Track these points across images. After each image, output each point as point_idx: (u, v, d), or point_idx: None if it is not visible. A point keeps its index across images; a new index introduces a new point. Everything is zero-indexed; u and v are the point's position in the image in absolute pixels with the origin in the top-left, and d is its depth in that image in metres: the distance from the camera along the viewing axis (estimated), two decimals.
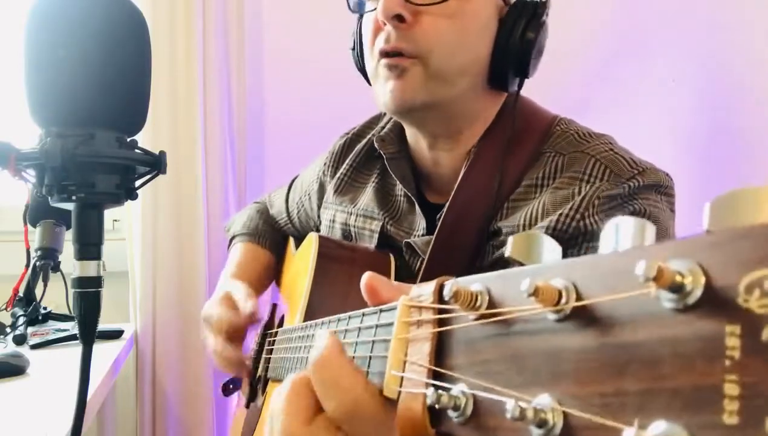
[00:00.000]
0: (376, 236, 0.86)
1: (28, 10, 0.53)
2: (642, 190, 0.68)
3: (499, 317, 0.27)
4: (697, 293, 0.19)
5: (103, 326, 0.70)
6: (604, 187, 0.68)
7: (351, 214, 0.91)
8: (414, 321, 0.33)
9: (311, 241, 0.86)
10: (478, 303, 0.28)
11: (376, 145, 0.87)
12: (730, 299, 0.18)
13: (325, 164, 0.99)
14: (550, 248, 0.28)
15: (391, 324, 0.36)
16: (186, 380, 1.52)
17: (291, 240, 1.13)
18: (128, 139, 0.56)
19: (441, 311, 0.31)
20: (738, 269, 0.18)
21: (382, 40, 0.72)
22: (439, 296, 0.32)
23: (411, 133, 0.84)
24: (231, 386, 1.12)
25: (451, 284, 0.28)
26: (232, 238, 1.18)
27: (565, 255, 0.78)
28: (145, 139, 1.40)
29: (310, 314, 0.76)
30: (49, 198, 0.54)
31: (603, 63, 1.63)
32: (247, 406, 0.98)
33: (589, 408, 0.22)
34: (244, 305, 0.90)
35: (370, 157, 0.93)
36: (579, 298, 0.23)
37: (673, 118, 1.53)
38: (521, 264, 0.28)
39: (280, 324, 0.95)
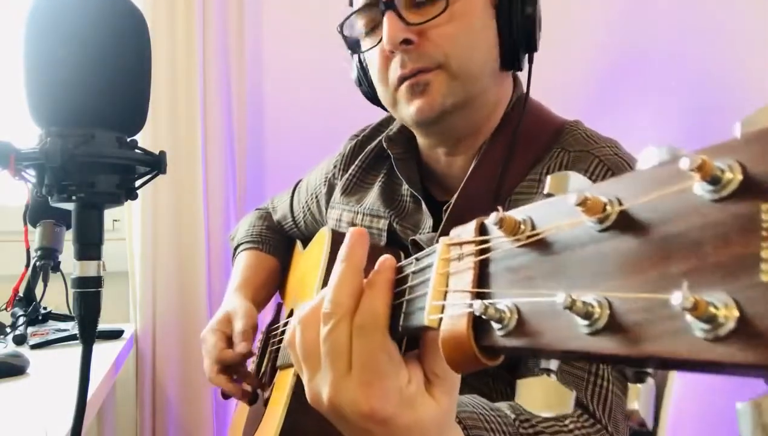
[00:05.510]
0: (384, 234, 0.86)
1: (28, 10, 0.53)
2: None
3: (541, 236, 0.28)
4: (735, 183, 0.21)
5: (103, 326, 0.70)
6: None
7: (357, 213, 0.92)
8: (455, 257, 0.35)
9: (323, 235, 0.86)
10: (521, 230, 0.30)
11: (384, 144, 0.88)
12: (764, 183, 0.20)
13: (335, 166, 0.99)
14: (585, 184, 0.29)
15: (427, 266, 0.38)
16: (186, 380, 1.52)
17: (298, 242, 1.13)
18: (128, 139, 0.56)
19: (481, 244, 0.33)
20: None
21: (398, 68, 0.73)
22: (480, 232, 0.34)
23: (427, 143, 0.85)
24: None
25: (495, 214, 0.31)
26: (237, 247, 1.19)
27: None
28: (145, 139, 1.40)
29: None
30: (49, 198, 0.54)
31: (603, 64, 1.62)
32: (250, 404, 0.98)
33: (634, 291, 0.23)
34: (237, 343, 0.89)
35: (378, 158, 0.93)
36: (621, 205, 0.25)
37: (673, 119, 1.53)
38: None
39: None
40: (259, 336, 1.05)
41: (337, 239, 0.82)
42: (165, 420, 1.52)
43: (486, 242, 0.33)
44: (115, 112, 0.54)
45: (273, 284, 1.12)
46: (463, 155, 0.81)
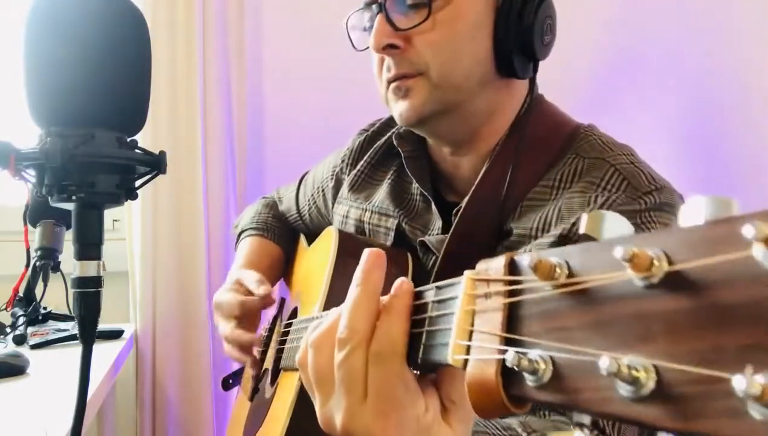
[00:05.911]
0: (392, 233, 0.86)
1: (28, 9, 0.53)
2: (657, 209, 0.68)
3: (580, 286, 0.27)
4: None
5: (103, 326, 0.70)
6: (621, 201, 0.67)
7: (366, 210, 0.91)
8: (481, 294, 0.34)
9: (330, 234, 0.86)
10: (556, 274, 0.28)
11: (394, 141, 0.87)
12: None
13: (342, 161, 0.99)
14: (622, 226, 0.28)
15: (450, 299, 0.37)
16: (186, 380, 1.52)
17: (302, 236, 1.12)
18: (128, 139, 0.56)
19: (511, 284, 0.32)
20: None
21: (386, 70, 0.75)
22: (510, 270, 0.32)
23: (432, 141, 0.84)
24: (231, 381, 1.12)
25: (531, 256, 0.29)
26: (241, 233, 1.18)
27: None
28: (145, 139, 1.40)
29: (330, 305, 0.76)
30: (49, 198, 0.54)
31: (602, 63, 1.63)
32: (251, 399, 0.98)
33: (685, 363, 0.22)
34: (257, 288, 0.91)
35: (387, 155, 0.93)
36: (671, 264, 0.23)
37: (673, 119, 1.53)
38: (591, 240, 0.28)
39: (293, 317, 0.95)
40: (260, 333, 1.05)
41: (344, 240, 0.82)
42: (165, 420, 1.52)
43: (517, 282, 0.31)
44: (115, 112, 0.54)
45: (277, 271, 1.12)
46: (469, 157, 0.80)
